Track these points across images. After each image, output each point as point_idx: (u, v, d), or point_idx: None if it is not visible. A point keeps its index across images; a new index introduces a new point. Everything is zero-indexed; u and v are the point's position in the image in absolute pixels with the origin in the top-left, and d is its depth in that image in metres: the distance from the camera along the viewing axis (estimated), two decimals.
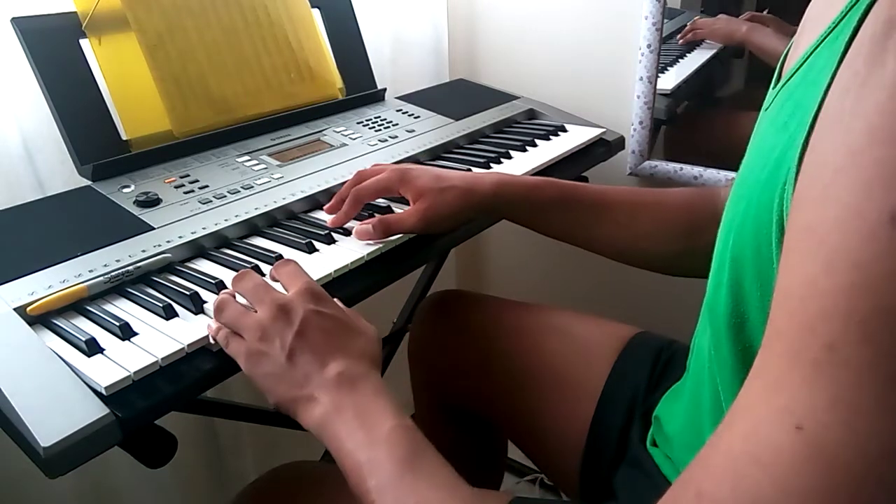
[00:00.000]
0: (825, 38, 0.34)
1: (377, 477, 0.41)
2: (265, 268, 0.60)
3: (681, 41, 1.08)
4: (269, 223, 0.70)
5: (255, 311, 0.50)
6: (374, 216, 0.70)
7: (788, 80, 0.38)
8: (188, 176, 0.73)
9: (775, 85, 0.42)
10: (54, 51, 0.70)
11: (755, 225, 0.35)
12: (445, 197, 0.66)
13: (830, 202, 0.27)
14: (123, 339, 0.50)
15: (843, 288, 0.25)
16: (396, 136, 0.91)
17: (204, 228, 0.65)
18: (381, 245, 0.65)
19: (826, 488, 0.25)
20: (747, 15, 1.02)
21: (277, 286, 0.53)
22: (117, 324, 0.50)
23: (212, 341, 0.51)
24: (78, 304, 0.54)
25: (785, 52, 0.46)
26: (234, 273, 0.56)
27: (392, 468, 0.41)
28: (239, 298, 0.52)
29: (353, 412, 0.45)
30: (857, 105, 0.27)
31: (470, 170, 0.84)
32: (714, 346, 0.42)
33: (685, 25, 1.10)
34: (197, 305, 0.54)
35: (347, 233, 0.67)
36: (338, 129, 0.90)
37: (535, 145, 0.94)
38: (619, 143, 1.03)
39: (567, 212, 0.69)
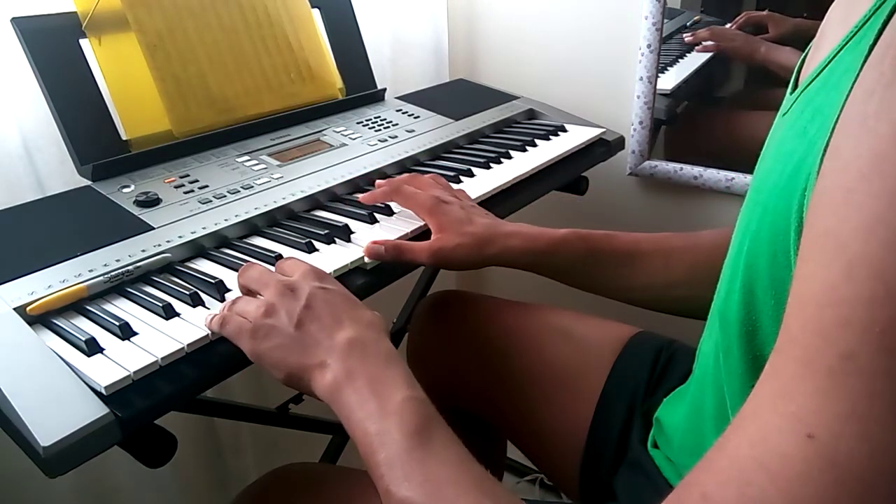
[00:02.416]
0: (847, 41, 0.33)
1: (387, 449, 0.40)
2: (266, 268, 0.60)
3: (697, 49, 1.07)
4: (268, 223, 0.70)
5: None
6: (373, 216, 0.70)
7: (808, 85, 0.37)
8: (188, 176, 0.73)
9: (793, 91, 0.42)
10: (54, 51, 0.70)
11: (771, 231, 0.34)
12: (462, 241, 0.65)
13: (852, 208, 0.26)
14: (123, 339, 0.50)
15: (863, 297, 0.25)
16: (396, 136, 0.91)
17: (204, 228, 0.65)
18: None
19: (835, 499, 0.24)
20: (744, 16, 1.02)
21: None
22: (117, 323, 0.50)
23: (206, 329, 0.50)
24: (78, 304, 0.54)
25: (802, 57, 0.46)
26: (234, 273, 0.56)
27: (402, 441, 0.40)
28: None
29: (365, 380, 0.44)
30: (882, 108, 0.27)
31: (469, 170, 0.84)
32: (723, 352, 0.42)
33: (685, 25, 1.10)
34: (197, 305, 0.54)
35: (348, 232, 0.67)
36: (338, 129, 0.90)
37: (535, 145, 0.94)
38: (619, 143, 1.03)
39: (596, 265, 0.67)
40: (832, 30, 0.39)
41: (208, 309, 0.54)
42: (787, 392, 0.27)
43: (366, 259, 0.63)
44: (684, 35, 1.08)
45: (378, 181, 0.73)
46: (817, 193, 0.30)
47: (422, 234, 0.68)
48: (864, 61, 0.29)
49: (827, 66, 0.35)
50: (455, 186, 0.77)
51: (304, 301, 0.48)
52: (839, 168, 0.28)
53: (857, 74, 0.30)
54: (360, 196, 0.72)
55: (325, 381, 0.45)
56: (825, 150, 0.30)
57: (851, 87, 0.30)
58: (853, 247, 0.26)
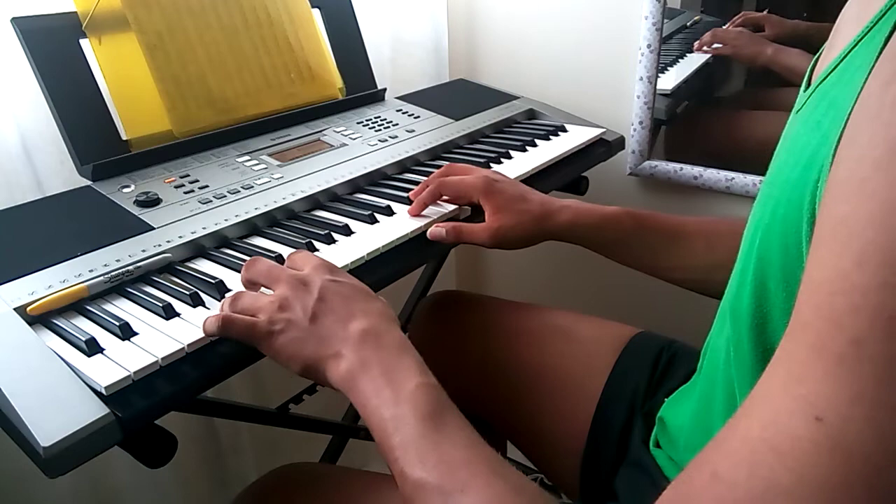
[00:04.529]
0: (863, 37, 0.34)
1: (401, 434, 0.42)
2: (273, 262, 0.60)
3: (696, 48, 1.07)
4: (269, 223, 0.70)
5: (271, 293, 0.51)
6: (373, 216, 0.70)
7: (822, 80, 0.38)
8: (188, 176, 0.73)
9: (806, 88, 0.42)
10: (54, 51, 0.70)
11: (784, 224, 0.35)
12: (519, 220, 0.68)
13: (867, 197, 0.27)
14: (123, 339, 0.50)
15: (874, 284, 0.25)
16: (396, 136, 0.91)
17: (204, 228, 0.65)
18: (380, 245, 0.65)
19: (842, 480, 0.25)
20: (741, 16, 1.02)
21: None
22: (117, 323, 0.50)
23: (203, 333, 0.50)
24: (78, 304, 0.54)
25: (816, 56, 0.46)
26: (235, 273, 0.56)
27: (416, 425, 0.42)
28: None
29: (380, 369, 0.45)
30: None
31: None
32: (734, 346, 0.42)
33: (685, 25, 1.09)
34: (197, 305, 0.54)
35: (348, 232, 0.68)
36: (338, 129, 0.90)
37: (535, 145, 0.94)
38: (619, 143, 1.03)
39: (643, 242, 0.69)
40: (847, 27, 0.39)
41: (208, 309, 0.54)
42: (797, 376, 0.27)
43: (363, 247, 0.64)
44: (694, 45, 1.07)
45: (412, 192, 0.73)
46: (831, 183, 0.30)
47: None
48: (880, 54, 0.30)
49: (842, 61, 0.35)
50: None
51: (317, 294, 0.49)
52: (854, 158, 0.29)
53: (872, 67, 0.30)
54: (408, 210, 0.71)
55: (340, 370, 0.46)
56: (839, 141, 0.30)
57: (866, 80, 0.30)
58: (866, 235, 0.26)
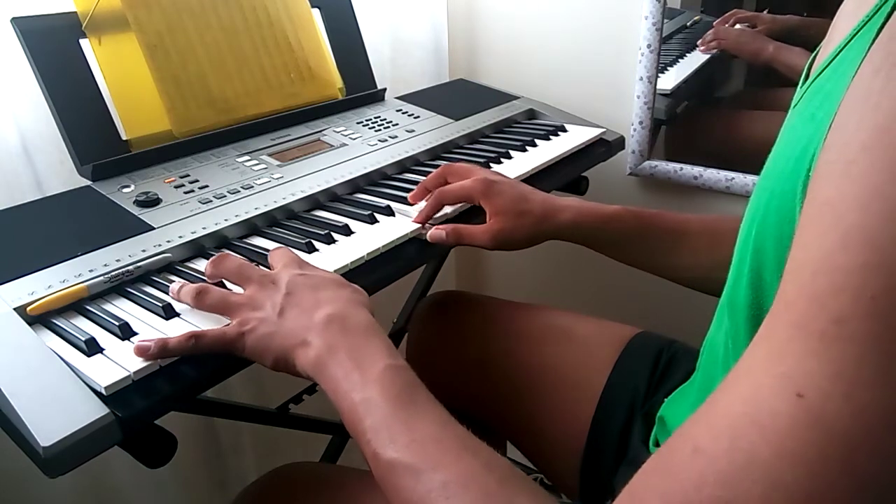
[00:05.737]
0: (858, 30, 0.34)
1: (372, 416, 0.42)
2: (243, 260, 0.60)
3: (701, 49, 1.07)
4: (268, 223, 0.70)
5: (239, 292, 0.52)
6: (373, 216, 0.70)
7: (818, 75, 0.38)
8: (188, 176, 0.73)
9: (804, 83, 0.43)
10: (54, 51, 0.70)
11: (778, 215, 0.35)
12: (521, 222, 0.67)
13: (852, 179, 0.27)
14: (123, 339, 0.50)
15: (857, 265, 0.26)
16: (396, 136, 0.91)
17: (204, 228, 0.65)
18: (381, 245, 0.65)
19: (819, 454, 0.25)
20: (732, 14, 1.02)
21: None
22: (117, 323, 0.50)
23: (163, 355, 0.47)
24: (78, 304, 0.54)
25: (814, 53, 0.46)
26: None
27: (386, 406, 0.42)
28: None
29: (347, 353, 0.45)
30: (888, 85, 0.27)
31: None
32: (732, 339, 0.42)
33: (685, 25, 1.09)
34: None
35: (348, 232, 0.68)
36: (338, 129, 0.90)
37: (534, 145, 0.94)
38: (619, 143, 1.03)
39: (646, 241, 0.69)
40: (844, 22, 0.39)
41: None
42: (779, 353, 0.28)
43: (363, 247, 0.64)
44: (698, 46, 1.07)
45: (411, 195, 0.73)
46: (820, 166, 0.30)
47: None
48: (873, 42, 0.30)
49: (838, 55, 0.36)
50: None
51: (285, 289, 0.50)
52: (842, 141, 0.29)
53: (865, 55, 0.30)
54: (413, 219, 0.70)
55: (308, 357, 0.46)
56: (830, 129, 0.30)
57: (858, 68, 0.30)
58: (850, 217, 0.26)
